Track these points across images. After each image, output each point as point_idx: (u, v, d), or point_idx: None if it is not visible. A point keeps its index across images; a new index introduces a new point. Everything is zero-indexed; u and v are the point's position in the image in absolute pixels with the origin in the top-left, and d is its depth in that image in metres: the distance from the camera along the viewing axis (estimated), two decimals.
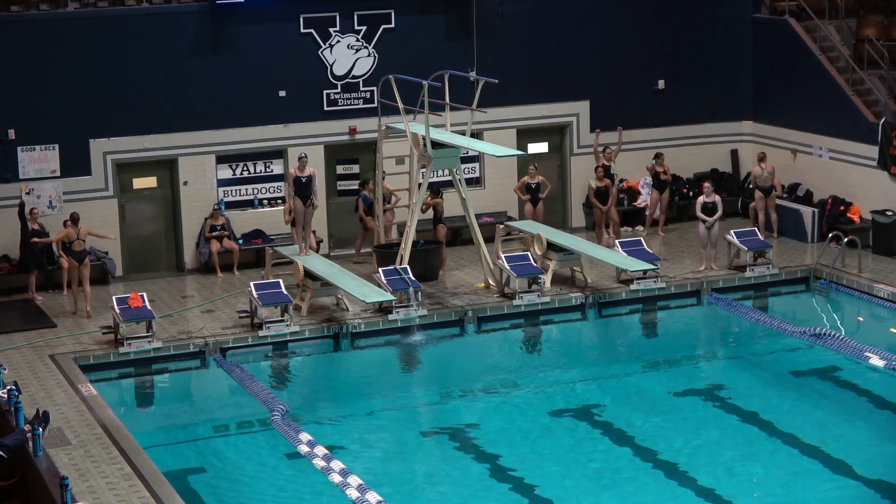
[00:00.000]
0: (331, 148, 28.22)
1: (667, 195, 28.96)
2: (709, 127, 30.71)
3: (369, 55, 28.19)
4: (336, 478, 17.78)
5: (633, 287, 25.22)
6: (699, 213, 26.14)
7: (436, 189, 26.73)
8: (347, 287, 23.66)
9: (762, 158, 28.19)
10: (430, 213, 26.88)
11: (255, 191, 27.88)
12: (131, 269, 27.04)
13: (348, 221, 28.15)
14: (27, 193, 26.10)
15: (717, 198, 26.31)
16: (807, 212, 28.10)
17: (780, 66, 29.96)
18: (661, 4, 30.16)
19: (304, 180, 24.95)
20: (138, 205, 27.31)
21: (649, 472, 18.11)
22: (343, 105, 28.17)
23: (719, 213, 26.13)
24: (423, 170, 25.25)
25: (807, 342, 23.05)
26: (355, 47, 28.11)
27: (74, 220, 24.37)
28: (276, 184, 27.82)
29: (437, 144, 24.89)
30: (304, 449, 18.89)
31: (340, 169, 28.44)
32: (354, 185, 28.35)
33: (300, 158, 25.22)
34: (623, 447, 19.01)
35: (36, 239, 25.17)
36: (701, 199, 26.31)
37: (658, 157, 28.82)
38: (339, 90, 28.12)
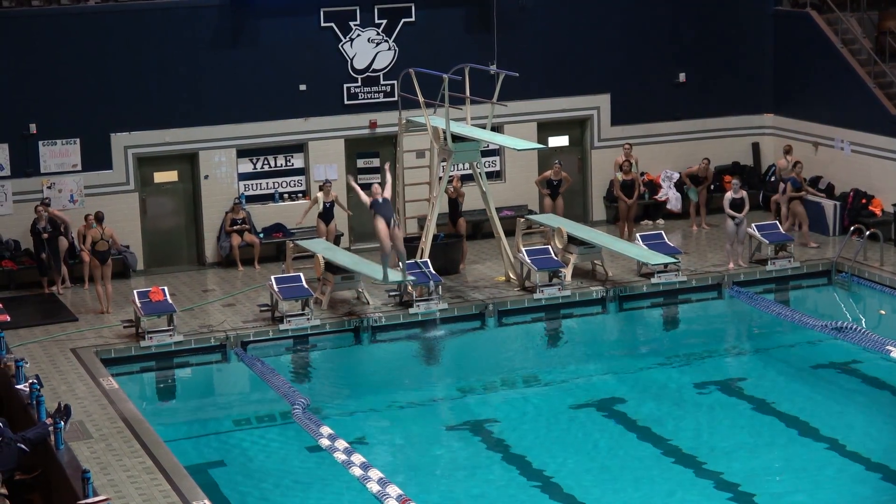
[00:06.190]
0: (351, 142, 28.23)
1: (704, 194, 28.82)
2: (730, 120, 30.62)
3: (389, 49, 28.18)
4: (357, 471, 17.79)
5: (653, 280, 25.17)
6: (728, 210, 25.80)
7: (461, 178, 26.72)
8: (365, 271, 23.66)
9: (788, 151, 28.05)
10: (446, 208, 26.85)
11: (276, 185, 27.91)
12: (152, 263, 27.10)
13: (368, 215, 28.12)
14: (49, 188, 26.19)
15: (745, 193, 26.10)
16: (828, 205, 28.00)
17: (802, 59, 29.86)
18: None
19: (381, 201, 24.41)
20: (159, 199, 27.36)
21: (671, 466, 18.10)
22: (363, 99, 28.16)
23: (746, 208, 25.97)
24: (444, 163, 25.23)
25: (828, 335, 22.99)
26: (375, 41, 28.09)
27: (99, 219, 24.27)
28: (297, 178, 27.84)
29: (457, 138, 24.87)
30: (324, 442, 18.91)
31: (361, 163, 28.44)
32: (375, 178, 28.31)
33: (379, 184, 25.03)
34: (644, 441, 18.98)
35: (44, 255, 25.14)
36: (729, 195, 26.00)
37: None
38: (359, 84, 28.11)
